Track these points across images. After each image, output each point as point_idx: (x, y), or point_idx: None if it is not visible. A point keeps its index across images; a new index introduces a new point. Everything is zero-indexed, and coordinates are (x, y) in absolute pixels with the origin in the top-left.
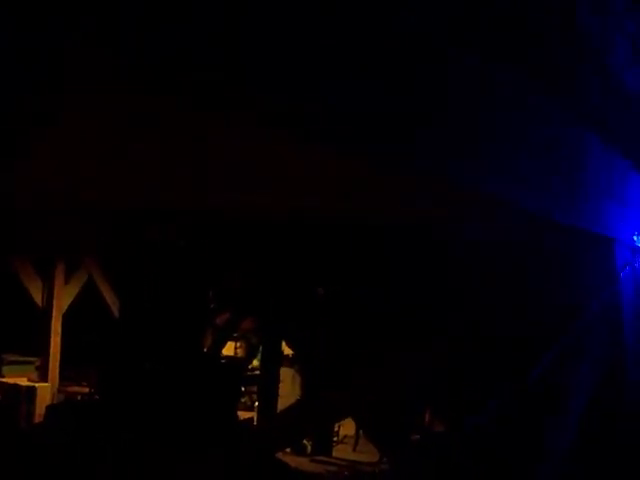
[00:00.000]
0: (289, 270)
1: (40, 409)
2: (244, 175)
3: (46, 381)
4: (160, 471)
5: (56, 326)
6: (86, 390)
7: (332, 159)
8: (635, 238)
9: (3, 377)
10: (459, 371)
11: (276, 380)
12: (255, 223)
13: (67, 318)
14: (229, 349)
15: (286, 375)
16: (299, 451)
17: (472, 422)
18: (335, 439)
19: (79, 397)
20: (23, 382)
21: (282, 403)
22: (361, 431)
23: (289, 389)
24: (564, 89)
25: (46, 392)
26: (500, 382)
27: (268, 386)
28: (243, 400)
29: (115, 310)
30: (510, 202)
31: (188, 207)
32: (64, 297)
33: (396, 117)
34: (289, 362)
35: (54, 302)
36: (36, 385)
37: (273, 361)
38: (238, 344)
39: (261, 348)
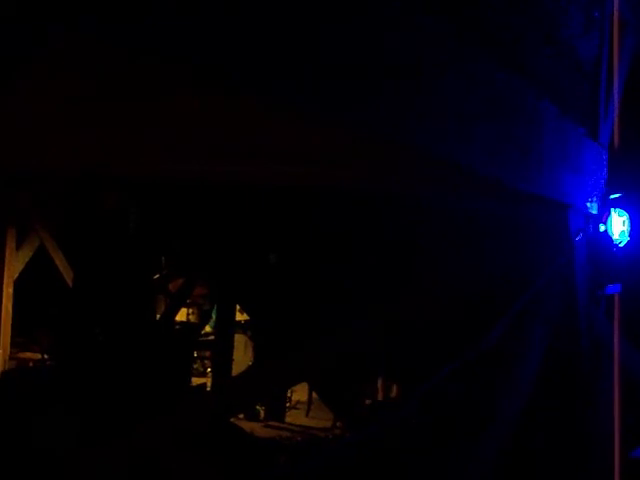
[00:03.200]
0: (242, 236)
1: None
2: (196, 141)
3: None
4: (115, 436)
5: (7, 292)
6: (37, 356)
7: (290, 124)
8: (589, 205)
9: None
10: (412, 337)
11: (231, 346)
12: (208, 189)
13: (19, 285)
14: (181, 315)
15: (239, 341)
16: (252, 417)
17: (426, 387)
18: (288, 405)
19: (31, 363)
20: None
21: (235, 369)
22: (314, 397)
23: (241, 355)
24: (519, 59)
25: None
26: (455, 347)
27: (223, 352)
28: (195, 366)
29: (67, 277)
30: (465, 167)
31: (140, 174)
32: (15, 263)
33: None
34: (241, 328)
35: (5, 267)
36: None
37: (227, 327)
38: (190, 310)
39: (214, 314)
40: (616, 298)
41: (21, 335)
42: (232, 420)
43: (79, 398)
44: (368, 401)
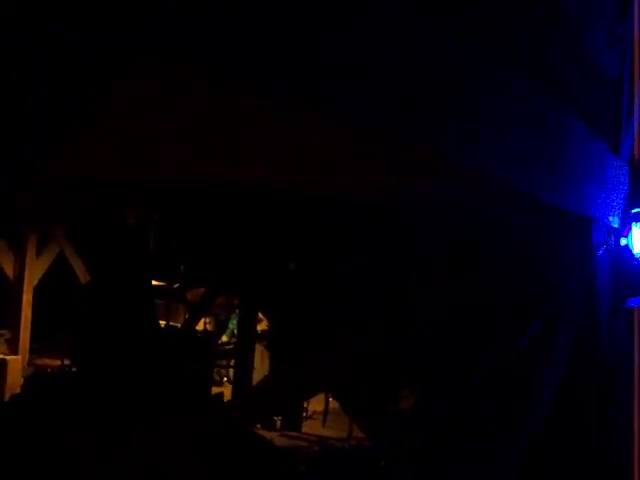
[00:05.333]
0: (262, 244)
1: (11, 382)
2: (216, 148)
3: (16, 354)
4: (138, 443)
5: (27, 298)
6: (56, 362)
7: (315, 130)
8: (611, 219)
9: None
10: (436, 345)
11: (251, 355)
12: (226, 197)
13: (38, 291)
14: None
15: (255, 350)
16: (268, 426)
17: (454, 393)
18: (304, 415)
19: (48, 369)
20: None
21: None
22: (330, 407)
23: (258, 364)
24: (548, 76)
25: (17, 365)
26: (477, 357)
27: (243, 361)
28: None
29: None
30: (496, 180)
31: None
32: (35, 270)
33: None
34: (258, 338)
35: (25, 274)
36: (6, 358)
37: (249, 336)
38: (207, 320)
39: (231, 324)
40: (637, 311)
41: (40, 341)
42: (251, 429)
43: (99, 406)
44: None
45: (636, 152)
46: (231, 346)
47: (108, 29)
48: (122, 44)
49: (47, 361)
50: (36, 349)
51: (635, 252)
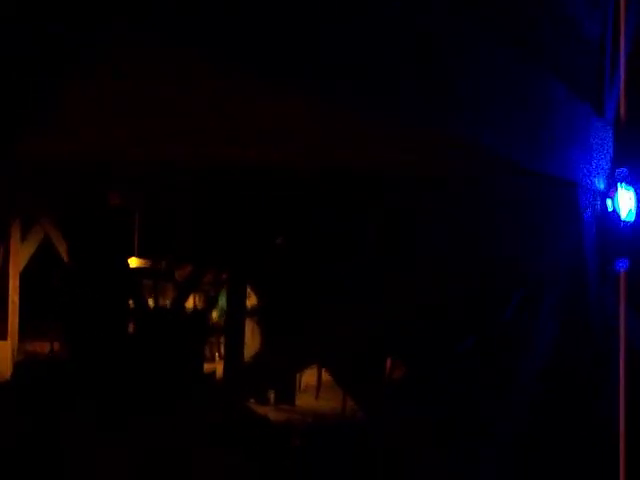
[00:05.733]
0: (249, 219)
1: (0, 368)
2: (205, 127)
3: (5, 339)
4: (133, 426)
5: (14, 284)
6: (46, 347)
7: (303, 109)
8: (596, 181)
9: None
10: (421, 319)
11: (242, 331)
12: (213, 175)
13: (25, 276)
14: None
15: (246, 326)
16: (262, 401)
17: (444, 362)
18: (297, 388)
19: (38, 354)
20: None
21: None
22: (323, 380)
23: (249, 340)
24: (530, 39)
25: (6, 350)
26: (466, 326)
27: (234, 337)
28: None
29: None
30: (477, 147)
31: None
32: (21, 255)
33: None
34: (248, 313)
35: (10, 260)
36: None
37: (238, 312)
38: (197, 297)
39: (220, 300)
40: (622, 273)
41: (29, 326)
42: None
43: (93, 388)
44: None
45: (621, 113)
46: (221, 322)
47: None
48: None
49: (37, 346)
50: (25, 334)
51: (621, 214)
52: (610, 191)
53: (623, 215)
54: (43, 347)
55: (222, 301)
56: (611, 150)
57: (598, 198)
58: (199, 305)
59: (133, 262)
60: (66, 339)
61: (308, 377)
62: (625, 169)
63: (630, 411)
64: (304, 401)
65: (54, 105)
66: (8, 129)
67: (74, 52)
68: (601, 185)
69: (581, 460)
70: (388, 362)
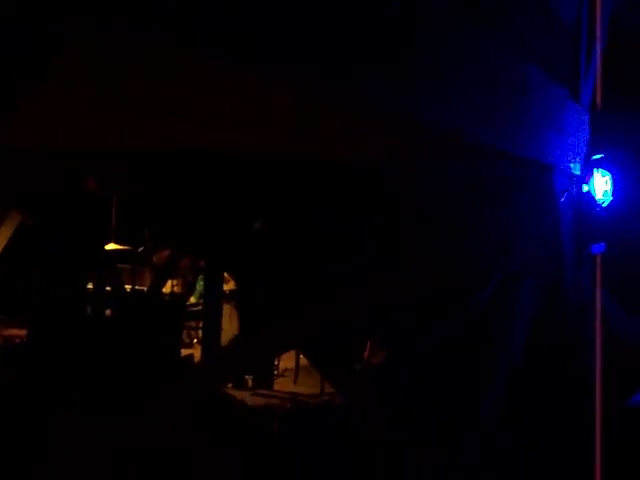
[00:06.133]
0: (226, 204)
1: None
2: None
3: None
4: (110, 409)
5: None
6: (24, 332)
7: (275, 92)
8: (572, 166)
9: None
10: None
11: (219, 315)
12: (189, 158)
13: (2, 262)
14: (165, 287)
15: (224, 311)
16: (240, 386)
17: (415, 349)
18: (275, 373)
19: (17, 340)
20: None
21: (221, 339)
22: (301, 364)
23: (227, 324)
24: (505, 23)
25: None
26: (444, 311)
27: (211, 321)
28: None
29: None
30: (453, 131)
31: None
32: None
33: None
34: (226, 298)
35: None
36: None
37: (215, 296)
38: (175, 282)
39: (198, 285)
40: (598, 257)
41: (7, 312)
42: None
43: (70, 377)
44: (358, 366)
45: (597, 98)
46: (199, 307)
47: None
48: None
49: (14, 331)
50: (3, 320)
51: (597, 198)
52: (586, 176)
53: (599, 199)
54: (21, 333)
55: (200, 286)
56: (587, 135)
57: (574, 182)
58: (177, 290)
59: (110, 246)
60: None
61: (286, 361)
62: (601, 154)
63: (606, 391)
64: (282, 385)
65: (26, 93)
66: None
67: (44, 43)
68: (577, 170)
69: (558, 440)
70: (367, 346)
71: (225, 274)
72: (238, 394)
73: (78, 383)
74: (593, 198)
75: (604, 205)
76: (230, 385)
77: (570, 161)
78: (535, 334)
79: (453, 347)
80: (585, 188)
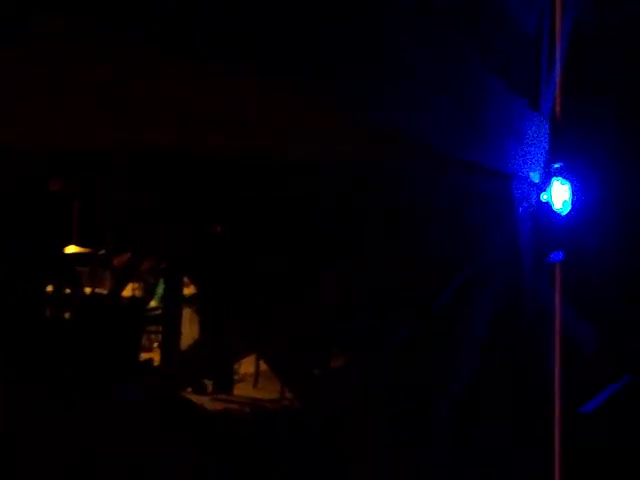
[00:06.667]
0: (187, 208)
1: None
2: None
3: None
4: (66, 411)
5: None
6: None
7: (235, 94)
8: (531, 175)
9: None
10: (360, 306)
11: (178, 319)
12: (151, 161)
13: None
14: (126, 290)
15: (184, 315)
16: (200, 390)
17: (375, 354)
18: (235, 377)
19: None
20: None
21: (181, 343)
22: (261, 369)
23: (187, 329)
24: (465, 31)
25: None
26: (403, 315)
27: (171, 325)
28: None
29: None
30: (411, 138)
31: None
32: None
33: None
34: (187, 302)
35: None
36: None
37: (175, 300)
38: (136, 285)
39: (159, 288)
40: (557, 265)
41: None
42: (181, 394)
43: (26, 373)
44: (317, 371)
45: (557, 108)
46: (160, 311)
47: None
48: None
49: None
50: None
51: (556, 207)
52: (545, 184)
53: (558, 208)
54: None
55: (161, 290)
56: (547, 144)
57: (533, 191)
58: (138, 293)
59: (71, 249)
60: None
61: (246, 366)
62: (560, 163)
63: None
64: (242, 390)
65: None
66: None
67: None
68: (536, 178)
69: (516, 444)
70: (328, 352)
71: (186, 278)
72: (198, 399)
73: (35, 385)
74: (551, 207)
75: (563, 213)
76: (190, 390)
77: (529, 170)
78: (493, 340)
79: (412, 351)
80: (544, 197)
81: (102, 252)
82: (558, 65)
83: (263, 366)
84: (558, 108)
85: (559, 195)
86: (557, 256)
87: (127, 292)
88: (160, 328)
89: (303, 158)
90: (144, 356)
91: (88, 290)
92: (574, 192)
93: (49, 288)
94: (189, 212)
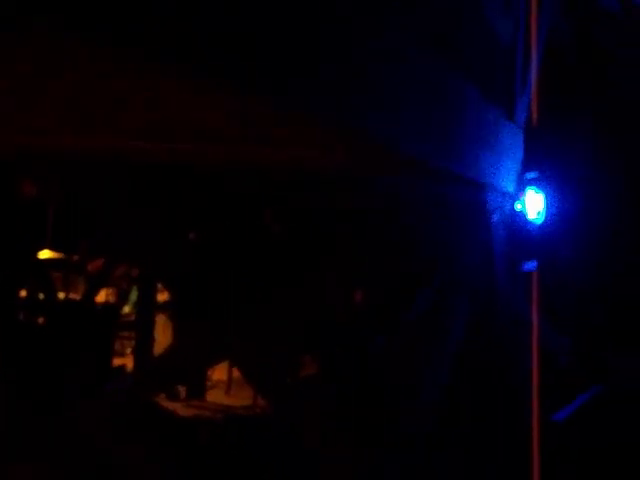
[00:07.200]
0: (161, 214)
1: None
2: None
3: None
4: (37, 418)
5: None
6: None
7: (209, 102)
8: (505, 184)
9: None
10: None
11: (152, 326)
12: (127, 167)
13: None
14: (100, 296)
15: (158, 321)
16: (173, 396)
17: (351, 360)
18: (208, 384)
19: None
20: None
21: (155, 349)
22: (234, 376)
23: (160, 335)
24: (441, 41)
25: None
26: (378, 322)
27: (144, 331)
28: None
29: None
30: (385, 147)
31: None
32: None
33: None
34: (161, 308)
35: None
36: None
37: (149, 306)
38: (109, 290)
39: (133, 294)
40: (534, 275)
41: None
42: (153, 400)
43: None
44: (288, 378)
45: (532, 118)
46: (133, 317)
47: None
48: None
49: None
50: None
51: (530, 216)
52: (519, 194)
53: (532, 218)
54: None
55: (134, 296)
56: (521, 154)
57: (507, 201)
58: (111, 299)
59: (44, 254)
60: None
61: (219, 373)
62: (535, 173)
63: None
64: (215, 397)
65: None
66: None
67: None
68: (510, 188)
69: (491, 453)
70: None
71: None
72: (170, 405)
73: (8, 388)
74: (525, 216)
75: (537, 223)
76: (163, 395)
77: (504, 179)
78: (467, 349)
79: (385, 357)
80: (518, 206)
81: (76, 257)
82: (533, 74)
83: (236, 373)
84: (533, 117)
85: (533, 205)
86: (531, 265)
87: (101, 298)
88: (133, 334)
89: (271, 165)
90: (117, 362)
91: (62, 295)
92: (548, 202)
93: (23, 293)
94: (163, 218)
